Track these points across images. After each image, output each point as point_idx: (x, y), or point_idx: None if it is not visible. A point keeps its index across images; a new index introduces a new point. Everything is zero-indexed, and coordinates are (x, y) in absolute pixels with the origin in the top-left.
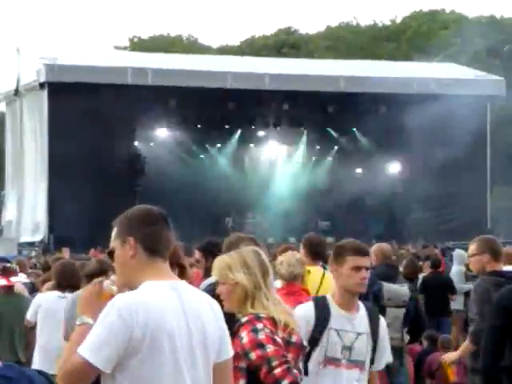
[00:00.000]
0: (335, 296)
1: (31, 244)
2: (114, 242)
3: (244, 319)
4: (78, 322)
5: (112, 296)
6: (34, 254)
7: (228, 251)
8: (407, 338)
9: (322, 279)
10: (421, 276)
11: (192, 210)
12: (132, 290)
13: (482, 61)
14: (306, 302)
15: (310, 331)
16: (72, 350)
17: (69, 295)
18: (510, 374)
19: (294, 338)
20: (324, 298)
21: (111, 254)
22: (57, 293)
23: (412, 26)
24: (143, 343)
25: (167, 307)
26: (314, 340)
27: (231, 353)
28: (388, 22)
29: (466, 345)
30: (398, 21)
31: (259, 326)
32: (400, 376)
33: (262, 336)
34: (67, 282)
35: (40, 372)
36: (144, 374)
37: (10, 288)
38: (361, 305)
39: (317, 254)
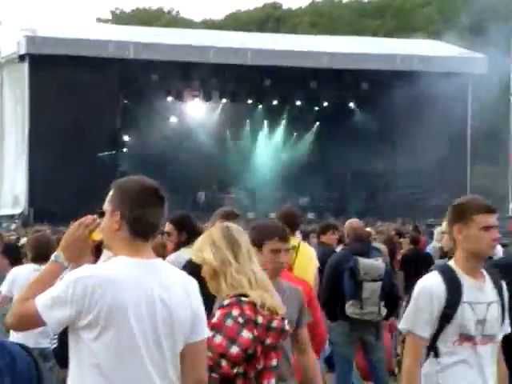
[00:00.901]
0: (459, 262)
1: (11, 217)
2: (106, 206)
3: (226, 302)
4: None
5: (94, 242)
6: (13, 226)
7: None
8: (384, 311)
9: (297, 251)
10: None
11: (171, 185)
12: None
13: (465, 38)
14: (288, 278)
15: (441, 308)
16: (34, 289)
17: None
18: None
19: (274, 323)
20: (449, 268)
21: (102, 214)
22: (32, 266)
23: (396, 2)
24: (98, 319)
25: (130, 285)
26: (446, 317)
27: (205, 334)
28: None
29: None
30: None
31: (235, 312)
32: (378, 351)
33: (228, 324)
34: (43, 254)
35: (21, 345)
36: (100, 349)
37: None
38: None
39: (293, 225)
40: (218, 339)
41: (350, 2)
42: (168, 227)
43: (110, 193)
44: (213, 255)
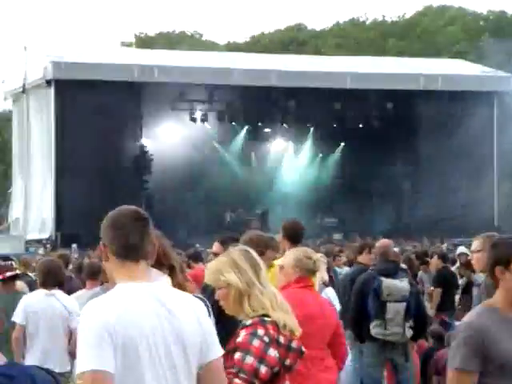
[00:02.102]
0: (502, 302)
1: (38, 241)
2: None
3: (248, 322)
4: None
5: None
6: (41, 251)
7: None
8: (410, 333)
9: None
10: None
11: (198, 206)
12: None
13: (490, 57)
14: (321, 300)
15: None
16: None
17: (56, 292)
18: None
19: (294, 344)
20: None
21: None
22: (43, 291)
23: (421, 23)
24: (117, 350)
25: (137, 311)
26: None
27: (219, 353)
28: (396, 19)
29: None
30: (407, 17)
31: (260, 331)
32: (405, 372)
33: (255, 344)
34: (52, 279)
35: (42, 368)
36: (119, 379)
37: (5, 283)
38: None
39: (297, 239)
40: (250, 360)
41: (374, 23)
42: (216, 247)
43: None
44: (237, 277)
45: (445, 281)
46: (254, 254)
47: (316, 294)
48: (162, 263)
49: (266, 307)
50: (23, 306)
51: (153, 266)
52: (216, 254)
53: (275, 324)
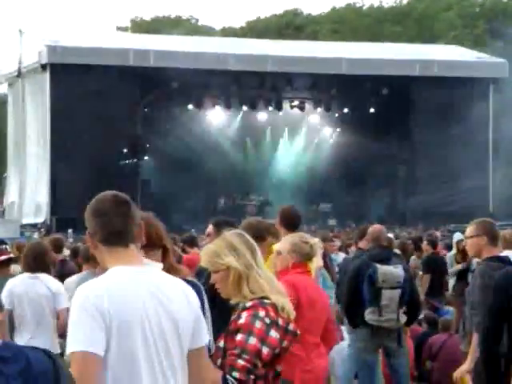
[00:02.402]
0: None
1: (33, 226)
2: None
3: (248, 304)
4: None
5: None
6: (36, 235)
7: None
8: (404, 318)
9: None
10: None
11: (193, 192)
12: None
13: (485, 43)
14: (317, 285)
15: None
16: None
17: (40, 275)
18: (507, 359)
19: (290, 326)
20: None
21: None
22: (27, 274)
23: (417, 8)
24: (111, 332)
25: (131, 294)
26: None
27: (206, 339)
28: (393, 4)
29: (473, 352)
30: (404, 2)
31: (261, 313)
32: (399, 357)
33: (257, 325)
34: (37, 263)
35: (43, 350)
36: (114, 362)
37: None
38: None
39: (294, 225)
40: (253, 341)
41: (371, 8)
42: (209, 229)
43: None
44: (236, 260)
45: (433, 267)
46: (249, 237)
47: (313, 279)
48: (155, 243)
49: (265, 290)
50: (7, 290)
51: (145, 247)
52: (209, 235)
53: (274, 306)
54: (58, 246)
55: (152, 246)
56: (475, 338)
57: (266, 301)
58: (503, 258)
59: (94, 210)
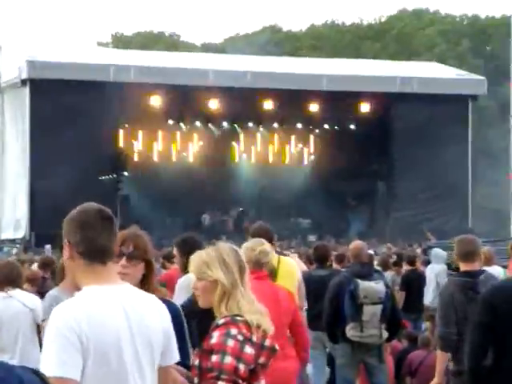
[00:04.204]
0: None
1: (12, 241)
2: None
3: (220, 321)
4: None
5: None
6: (14, 250)
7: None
8: (386, 334)
9: (278, 264)
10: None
11: (173, 207)
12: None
13: (466, 61)
14: (275, 288)
15: None
16: None
17: (13, 292)
18: (492, 374)
19: (267, 342)
20: None
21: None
22: (0, 294)
23: (397, 26)
24: (88, 355)
25: (108, 315)
26: None
27: (176, 358)
28: (373, 21)
29: (441, 364)
30: (383, 20)
31: (233, 331)
32: (379, 373)
33: (230, 343)
34: (7, 280)
35: (33, 371)
36: (86, 380)
37: None
38: None
39: (271, 241)
40: (228, 360)
41: (350, 25)
42: (174, 250)
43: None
44: (224, 276)
45: (411, 284)
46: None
47: (270, 283)
48: (138, 255)
49: (242, 309)
50: None
51: (129, 256)
52: (174, 257)
53: (247, 323)
54: (46, 266)
55: (136, 257)
56: (439, 353)
57: (238, 318)
58: (472, 273)
59: (79, 222)
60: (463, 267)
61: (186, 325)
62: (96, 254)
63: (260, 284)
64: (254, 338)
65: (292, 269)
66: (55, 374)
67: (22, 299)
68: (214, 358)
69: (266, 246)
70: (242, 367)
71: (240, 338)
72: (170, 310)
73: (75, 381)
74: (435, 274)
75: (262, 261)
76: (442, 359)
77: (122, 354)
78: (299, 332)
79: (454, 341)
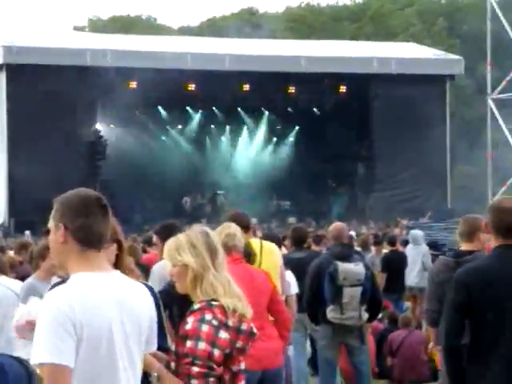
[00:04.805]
0: None
1: None
2: (49, 223)
3: (196, 306)
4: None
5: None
6: None
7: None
8: (366, 316)
9: (261, 250)
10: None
11: (153, 191)
12: (65, 273)
13: (443, 41)
14: (248, 268)
15: None
16: None
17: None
18: (469, 352)
19: (243, 326)
20: None
21: (48, 233)
22: None
23: (373, 6)
24: (81, 342)
25: (101, 302)
26: None
27: (155, 346)
28: (349, 2)
29: (433, 339)
30: (360, 0)
31: (208, 316)
32: (361, 354)
33: (204, 329)
34: None
35: (15, 358)
36: (79, 371)
37: None
38: None
39: (247, 227)
40: (202, 345)
41: (326, 6)
42: (154, 238)
43: (53, 210)
44: (193, 259)
45: (392, 264)
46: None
47: (244, 265)
48: (112, 238)
49: (217, 292)
50: None
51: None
52: (155, 245)
53: (222, 308)
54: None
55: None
56: (429, 329)
57: (213, 303)
58: (459, 252)
59: (79, 208)
60: (462, 247)
61: (162, 308)
62: (93, 241)
63: (234, 267)
64: (230, 323)
65: (274, 256)
66: (50, 361)
67: (9, 285)
68: (189, 343)
69: (233, 229)
70: (216, 352)
71: (215, 323)
72: (152, 293)
73: (70, 368)
74: (420, 254)
75: (229, 244)
76: (432, 334)
77: (114, 341)
78: (278, 310)
79: (435, 318)
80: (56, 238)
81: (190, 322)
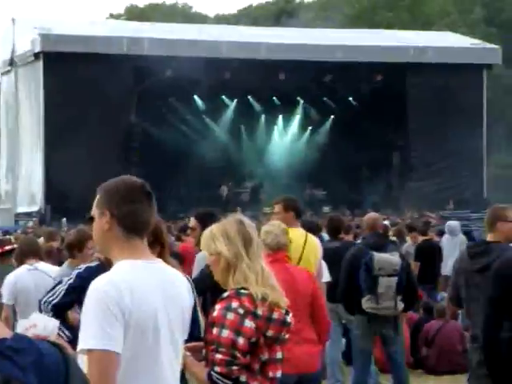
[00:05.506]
0: None
1: (28, 214)
2: (94, 210)
3: (225, 295)
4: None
5: None
6: (30, 224)
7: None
8: (401, 306)
9: (304, 242)
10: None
11: (188, 180)
12: (109, 259)
13: (480, 30)
14: (292, 269)
15: None
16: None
17: (38, 264)
18: (509, 346)
19: (275, 315)
20: None
21: (91, 220)
22: (25, 266)
23: None
24: (128, 329)
25: (147, 290)
26: None
27: (187, 334)
28: None
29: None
30: None
31: (234, 304)
32: (395, 345)
33: (229, 317)
34: (31, 252)
35: (51, 342)
36: (125, 357)
37: (3, 257)
38: None
39: (299, 213)
40: (225, 333)
41: None
42: (193, 222)
43: (97, 197)
44: (227, 248)
45: (425, 254)
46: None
47: (287, 266)
48: (155, 241)
49: (249, 281)
50: (8, 285)
51: (150, 243)
52: (193, 229)
53: (251, 296)
54: (52, 238)
55: (154, 242)
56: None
57: (242, 291)
58: (480, 242)
59: (126, 195)
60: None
61: (196, 299)
62: (138, 228)
63: (274, 267)
64: (260, 311)
65: (316, 251)
66: (99, 347)
67: (46, 270)
68: (214, 330)
69: (274, 227)
70: (241, 341)
71: (240, 311)
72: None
73: (119, 354)
74: (457, 244)
75: (266, 242)
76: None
77: (159, 329)
78: (319, 315)
79: (454, 302)
80: (101, 224)
81: (217, 310)
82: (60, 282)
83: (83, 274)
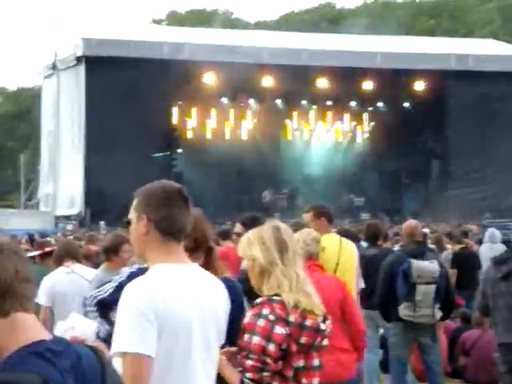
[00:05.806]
0: None
1: (67, 217)
2: (131, 214)
3: (257, 301)
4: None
5: None
6: (70, 227)
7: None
8: (439, 314)
9: (340, 247)
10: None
11: (226, 184)
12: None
13: None
14: (319, 276)
15: None
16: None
17: (74, 267)
18: None
19: (308, 322)
20: None
21: (128, 224)
22: (62, 269)
23: (452, 2)
24: (161, 333)
25: (182, 295)
26: None
27: (223, 340)
28: None
29: None
30: None
31: (265, 311)
32: (433, 353)
33: (260, 323)
34: (68, 255)
35: (90, 347)
36: (157, 362)
37: (43, 258)
38: None
39: (331, 218)
40: (256, 340)
41: (405, 2)
42: (238, 228)
43: (134, 201)
44: (261, 254)
45: (461, 262)
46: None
47: (314, 274)
48: (199, 246)
49: (282, 288)
50: (46, 287)
51: (190, 250)
52: (239, 235)
53: (283, 303)
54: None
55: (197, 248)
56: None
57: (274, 298)
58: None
59: (163, 199)
60: None
61: (245, 304)
62: (175, 232)
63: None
64: (292, 318)
65: (352, 256)
66: (132, 350)
67: (82, 273)
68: (245, 337)
69: (303, 234)
70: (271, 347)
71: (271, 318)
72: (233, 288)
73: (152, 358)
74: (497, 253)
75: (310, 252)
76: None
77: (192, 334)
78: (352, 322)
79: (481, 311)
80: (138, 228)
81: (248, 316)
82: (110, 280)
83: (135, 274)
